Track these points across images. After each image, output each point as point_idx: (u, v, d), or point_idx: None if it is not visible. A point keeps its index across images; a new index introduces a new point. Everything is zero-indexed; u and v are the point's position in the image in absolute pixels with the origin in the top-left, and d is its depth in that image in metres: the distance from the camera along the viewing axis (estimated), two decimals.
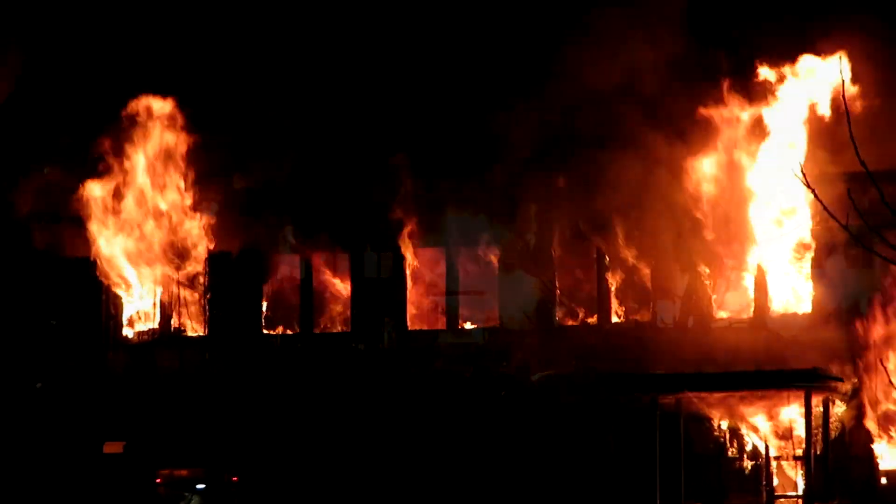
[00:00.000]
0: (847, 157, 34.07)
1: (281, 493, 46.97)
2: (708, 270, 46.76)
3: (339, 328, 50.62)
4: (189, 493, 45.77)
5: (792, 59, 46.31)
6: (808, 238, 45.47)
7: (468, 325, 49.79)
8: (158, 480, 45.27)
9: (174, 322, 50.86)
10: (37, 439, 46.84)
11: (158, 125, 50.40)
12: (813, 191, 19.97)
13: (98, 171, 50.42)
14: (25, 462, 46.03)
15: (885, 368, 43.14)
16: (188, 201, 50.44)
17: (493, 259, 48.87)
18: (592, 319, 48.59)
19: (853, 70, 43.21)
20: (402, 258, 49.46)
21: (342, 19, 50.82)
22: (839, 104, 44.45)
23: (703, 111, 46.31)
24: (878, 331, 44.03)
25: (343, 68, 50.35)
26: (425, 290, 50.36)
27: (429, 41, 49.81)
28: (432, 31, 49.98)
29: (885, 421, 44.26)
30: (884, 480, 44.52)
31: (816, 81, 46.02)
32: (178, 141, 50.37)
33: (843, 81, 43.45)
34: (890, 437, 44.54)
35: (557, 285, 48.62)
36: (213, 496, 45.90)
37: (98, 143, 50.51)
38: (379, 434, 47.35)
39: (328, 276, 50.69)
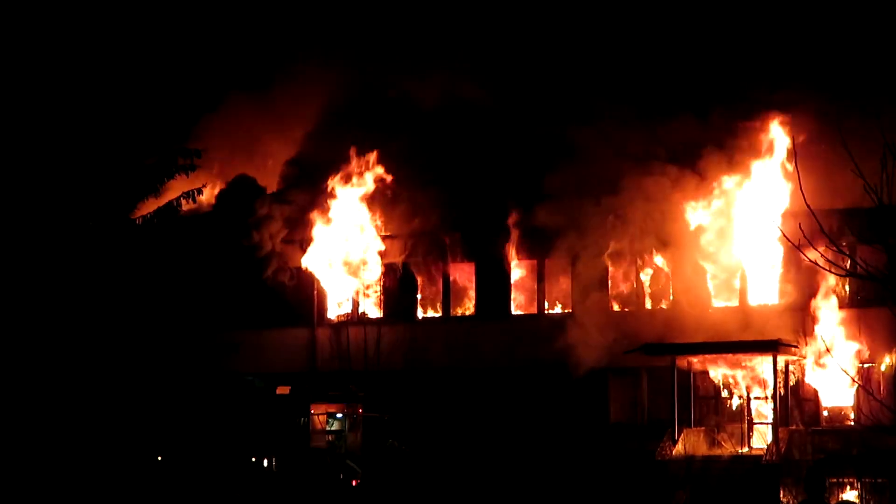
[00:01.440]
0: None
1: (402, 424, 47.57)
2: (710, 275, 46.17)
3: (467, 312, 50.18)
4: (332, 419, 45.97)
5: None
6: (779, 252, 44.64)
7: (556, 310, 49.01)
8: (312, 411, 45.17)
9: (361, 309, 51.19)
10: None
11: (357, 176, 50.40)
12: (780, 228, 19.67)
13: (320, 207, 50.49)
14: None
15: (823, 340, 43.00)
16: (373, 231, 50.46)
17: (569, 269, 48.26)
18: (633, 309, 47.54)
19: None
20: (507, 266, 49.17)
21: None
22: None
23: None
24: (823, 315, 43.86)
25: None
26: (521, 288, 49.88)
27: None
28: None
29: (825, 374, 44.40)
30: (825, 413, 44.78)
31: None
32: (369, 187, 50.33)
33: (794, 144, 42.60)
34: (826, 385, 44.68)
35: (610, 284, 47.90)
36: (347, 421, 45.90)
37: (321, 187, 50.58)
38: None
39: (462, 278, 50.50)
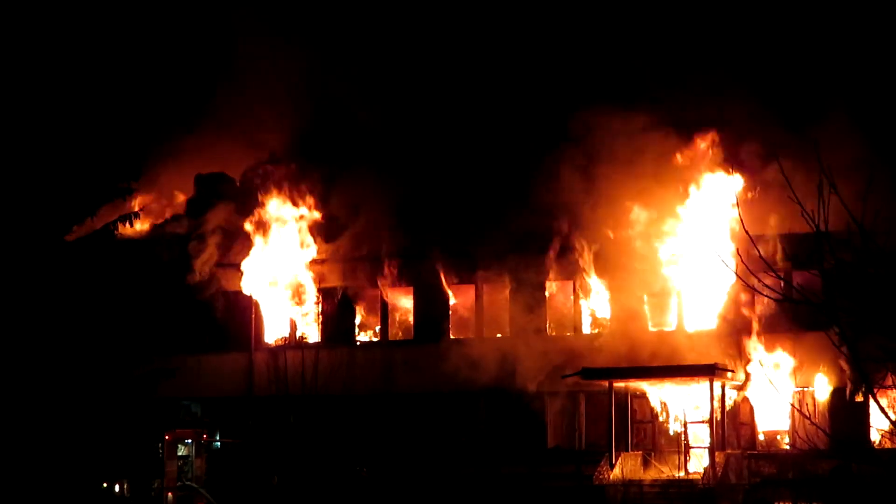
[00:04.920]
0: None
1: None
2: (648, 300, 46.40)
3: (405, 336, 50.24)
4: (181, 445, 45.77)
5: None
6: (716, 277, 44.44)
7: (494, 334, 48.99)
8: (167, 437, 44.83)
9: (299, 333, 50.92)
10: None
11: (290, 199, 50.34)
12: (718, 254, 19.88)
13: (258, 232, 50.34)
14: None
15: (761, 364, 43.29)
16: (310, 256, 50.26)
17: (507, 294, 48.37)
18: (571, 333, 47.95)
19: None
20: (445, 291, 49.14)
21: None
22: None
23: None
24: (761, 340, 44.22)
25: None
26: (460, 313, 49.87)
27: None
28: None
29: (763, 398, 44.55)
30: (761, 437, 45.08)
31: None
32: (306, 211, 50.20)
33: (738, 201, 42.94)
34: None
35: (548, 309, 48.22)
36: (194, 447, 45.99)
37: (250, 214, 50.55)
38: None
39: (401, 302, 50.37)
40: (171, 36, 56.63)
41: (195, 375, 49.63)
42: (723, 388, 43.77)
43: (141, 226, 49.83)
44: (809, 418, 40.72)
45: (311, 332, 50.85)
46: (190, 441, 45.76)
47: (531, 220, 46.34)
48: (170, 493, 44.57)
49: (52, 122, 47.51)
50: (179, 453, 45.61)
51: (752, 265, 19.81)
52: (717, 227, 44.10)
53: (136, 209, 47.99)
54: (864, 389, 40.35)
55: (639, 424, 45.64)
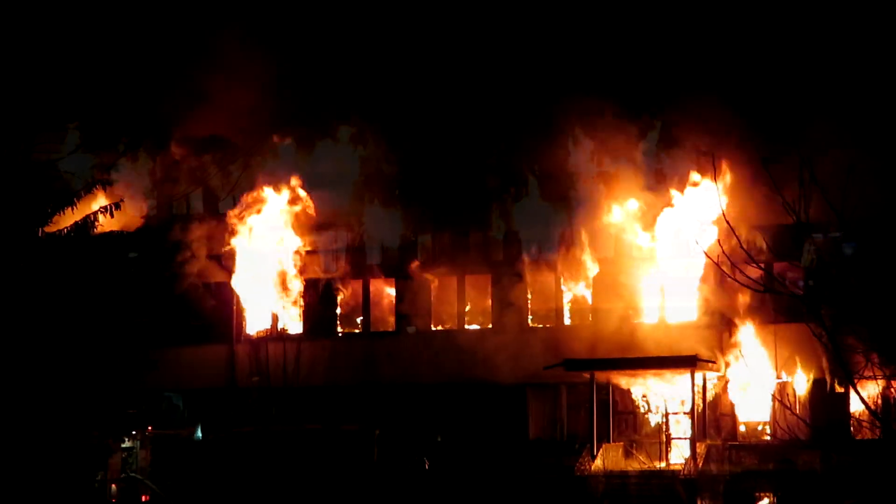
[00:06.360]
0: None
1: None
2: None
3: (386, 328, 50.11)
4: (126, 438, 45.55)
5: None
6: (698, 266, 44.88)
7: (472, 327, 49.26)
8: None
9: (281, 325, 50.82)
10: None
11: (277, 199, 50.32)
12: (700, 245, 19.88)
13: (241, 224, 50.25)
14: None
15: (741, 356, 43.31)
16: (293, 247, 50.18)
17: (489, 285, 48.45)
18: (553, 325, 47.84)
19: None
20: (427, 282, 48.94)
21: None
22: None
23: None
24: (740, 332, 44.30)
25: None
26: (442, 304, 49.79)
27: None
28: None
29: (744, 389, 44.67)
30: (742, 428, 45.22)
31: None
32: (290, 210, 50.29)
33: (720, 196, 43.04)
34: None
35: (530, 300, 48.42)
36: (142, 438, 45.79)
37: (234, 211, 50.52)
38: None
39: (383, 294, 50.40)
40: (155, 14, 56.40)
41: (177, 368, 49.44)
42: (704, 379, 43.84)
43: (121, 217, 49.61)
44: (790, 409, 41.25)
45: (294, 324, 50.72)
46: (134, 433, 45.54)
47: (514, 211, 46.47)
48: (113, 486, 44.24)
49: (33, 111, 47.33)
50: (124, 445, 45.37)
51: (734, 256, 19.93)
52: (699, 219, 44.01)
53: (117, 200, 47.77)
54: (844, 380, 40.41)
55: (620, 416, 45.62)
